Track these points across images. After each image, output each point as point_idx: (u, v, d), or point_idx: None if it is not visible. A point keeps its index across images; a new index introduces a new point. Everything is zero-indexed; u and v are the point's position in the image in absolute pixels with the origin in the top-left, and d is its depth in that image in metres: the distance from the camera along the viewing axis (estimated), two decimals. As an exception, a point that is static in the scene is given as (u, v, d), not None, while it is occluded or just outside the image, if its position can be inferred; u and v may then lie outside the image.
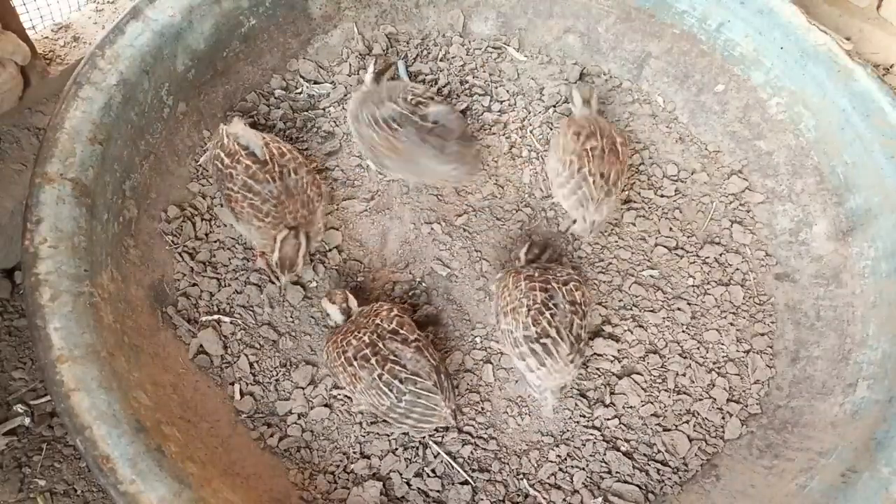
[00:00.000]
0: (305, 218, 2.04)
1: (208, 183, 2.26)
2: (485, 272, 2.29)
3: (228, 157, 2.01)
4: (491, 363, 2.15)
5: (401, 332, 1.89)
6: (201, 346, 2.04)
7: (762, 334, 2.28)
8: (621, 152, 2.23)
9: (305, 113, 2.46)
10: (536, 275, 2.00)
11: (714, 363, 2.22)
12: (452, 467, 1.99)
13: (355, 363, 1.84)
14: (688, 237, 2.43)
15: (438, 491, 1.96)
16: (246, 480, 1.85)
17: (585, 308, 2.00)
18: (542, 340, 1.90)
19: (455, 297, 2.25)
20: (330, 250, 2.26)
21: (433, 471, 1.98)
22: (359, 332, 1.89)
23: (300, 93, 2.51)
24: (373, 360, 1.83)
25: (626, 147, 2.28)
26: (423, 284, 2.26)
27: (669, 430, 2.11)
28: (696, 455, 2.08)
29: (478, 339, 2.19)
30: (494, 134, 2.53)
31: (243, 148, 2.02)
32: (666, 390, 2.16)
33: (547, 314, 1.92)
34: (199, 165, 2.27)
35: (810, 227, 2.36)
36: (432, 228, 2.34)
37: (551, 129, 2.56)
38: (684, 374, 2.19)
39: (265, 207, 1.98)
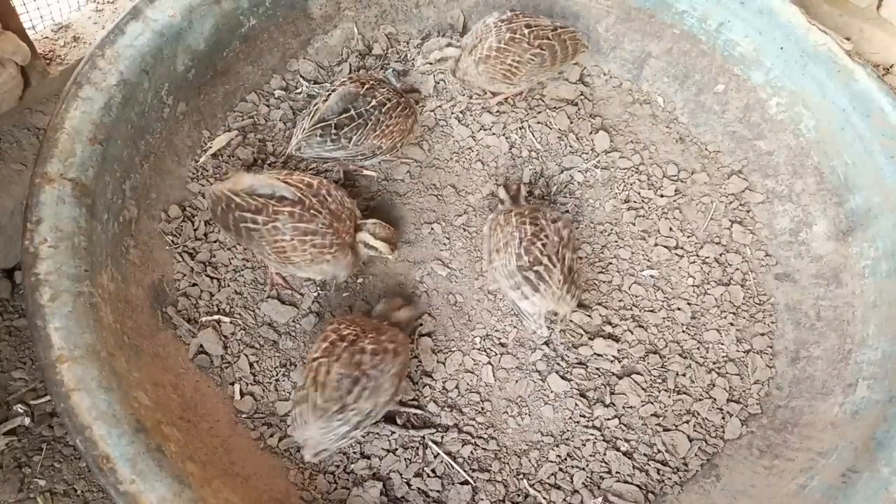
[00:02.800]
0: (352, 231, 2.01)
1: (208, 182, 2.26)
2: (484, 272, 2.29)
3: (261, 214, 1.87)
4: (491, 364, 2.15)
5: (366, 369, 1.77)
6: (201, 346, 2.04)
7: (762, 334, 2.28)
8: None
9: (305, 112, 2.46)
10: (526, 212, 2.10)
11: (714, 363, 2.22)
12: (452, 467, 1.99)
13: (323, 341, 1.83)
14: (688, 237, 2.43)
15: (438, 491, 1.96)
16: (246, 480, 1.85)
17: (575, 244, 2.09)
18: (534, 267, 1.99)
19: (455, 297, 2.25)
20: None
21: (433, 471, 1.98)
22: (351, 332, 1.84)
23: (300, 93, 2.51)
24: (326, 346, 1.81)
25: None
26: (424, 284, 2.26)
27: (669, 430, 2.11)
28: (696, 455, 2.08)
29: (477, 340, 2.19)
30: (494, 134, 2.54)
31: (268, 197, 1.89)
32: (666, 390, 2.16)
33: (538, 243, 2.02)
34: (200, 165, 2.27)
35: (810, 227, 2.36)
36: (432, 228, 2.34)
37: (550, 130, 2.56)
38: (684, 374, 2.19)
39: (328, 240, 1.92)
